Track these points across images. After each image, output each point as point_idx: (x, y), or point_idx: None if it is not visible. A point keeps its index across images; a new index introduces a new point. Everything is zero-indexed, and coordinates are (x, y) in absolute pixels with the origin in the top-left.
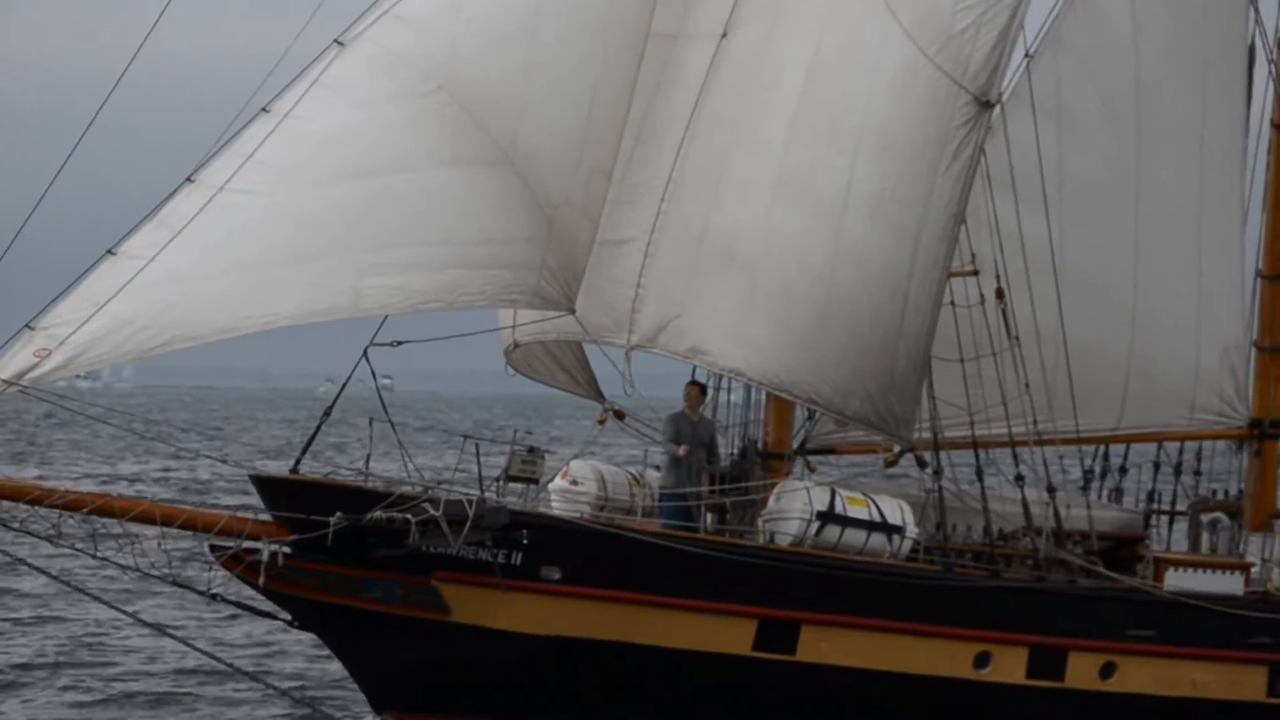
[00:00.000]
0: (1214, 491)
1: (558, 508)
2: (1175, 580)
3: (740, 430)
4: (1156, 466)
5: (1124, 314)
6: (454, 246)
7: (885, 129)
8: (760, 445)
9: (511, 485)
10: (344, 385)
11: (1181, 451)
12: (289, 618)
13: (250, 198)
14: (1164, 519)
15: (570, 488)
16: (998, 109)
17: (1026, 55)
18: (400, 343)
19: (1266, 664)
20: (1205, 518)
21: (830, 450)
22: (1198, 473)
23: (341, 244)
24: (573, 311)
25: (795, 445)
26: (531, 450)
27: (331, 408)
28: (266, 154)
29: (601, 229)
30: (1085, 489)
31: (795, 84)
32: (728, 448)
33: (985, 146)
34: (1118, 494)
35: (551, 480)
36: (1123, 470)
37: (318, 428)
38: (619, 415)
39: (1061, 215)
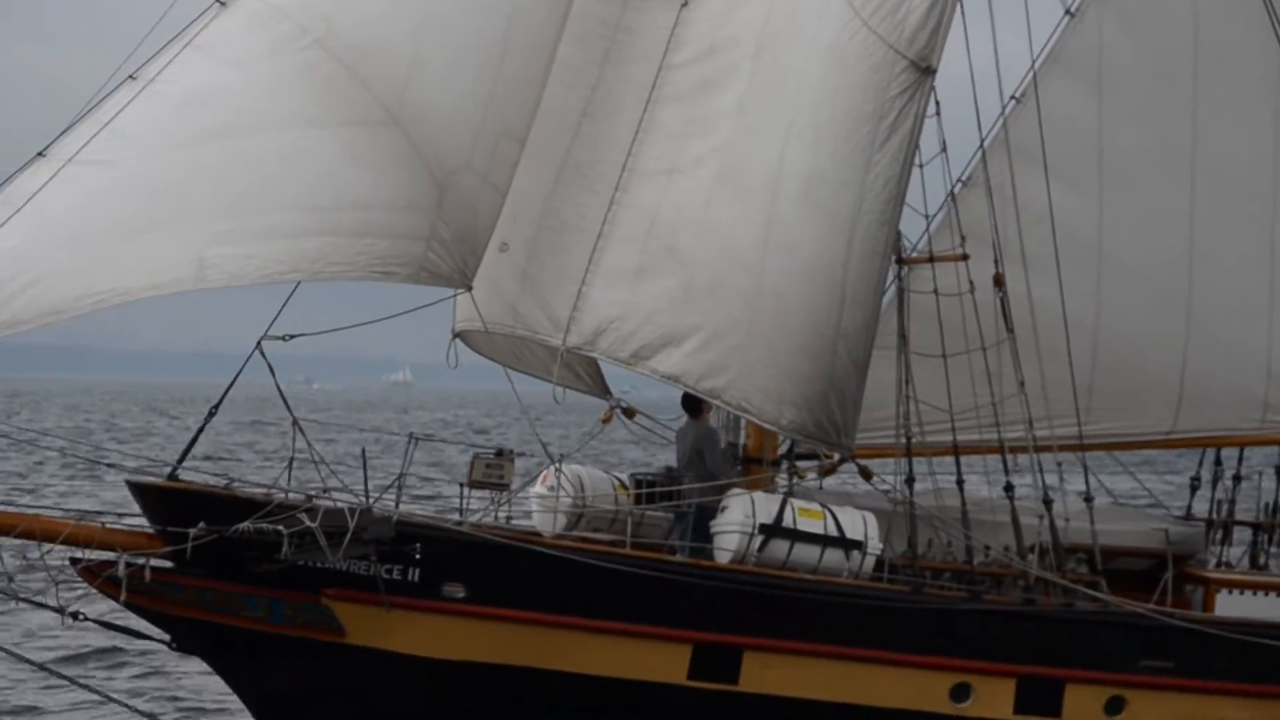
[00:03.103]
0: None
1: (536, 517)
2: (1228, 605)
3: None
4: (1279, 472)
5: (1175, 303)
6: (319, 212)
7: (818, 103)
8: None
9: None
10: (234, 380)
11: None
12: (167, 638)
13: (98, 167)
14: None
15: (546, 495)
16: (1032, 74)
17: (1068, 13)
18: (291, 336)
19: None
20: None
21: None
22: None
23: (189, 211)
24: (468, 289)
25: (783, 450)
26: (499, 453)
27: (218, 406)
28: (123, 121)
29: (542, 212)
30: (1190, 500)
31: (745, 58)
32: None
33: (1013, 117)
34: (1230, 506)
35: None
36: (1236, 479)
37: (200, 428)
38: (628, 413)
39: (1100, 192)
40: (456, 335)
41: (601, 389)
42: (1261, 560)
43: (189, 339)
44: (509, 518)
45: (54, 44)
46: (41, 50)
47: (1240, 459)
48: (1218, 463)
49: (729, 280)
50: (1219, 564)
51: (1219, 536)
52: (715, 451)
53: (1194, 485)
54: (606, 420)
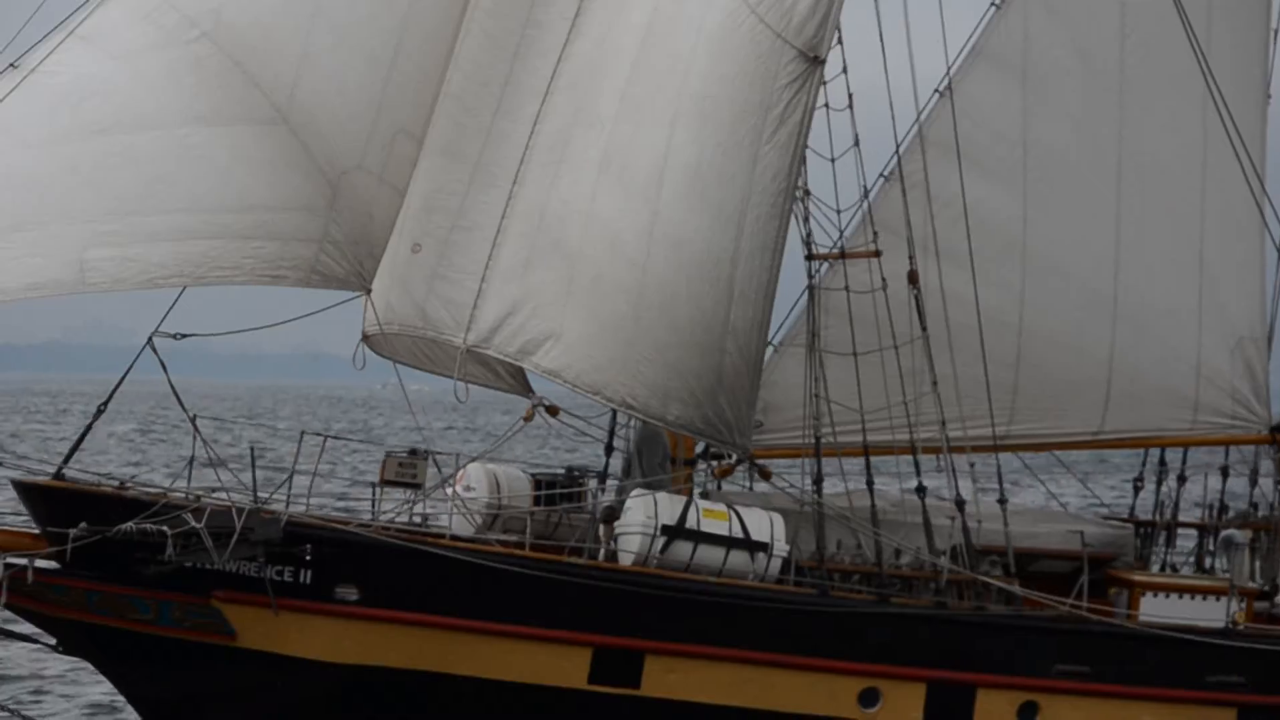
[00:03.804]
0: (1255, 506)
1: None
2: (1154, 608)
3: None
4: (1225, 473)
5: (1102, 302)
6: (206, 214)
7: (703, 93)
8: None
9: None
10: (123, 377)
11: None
12: (53, 641)
13: None
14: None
15: (462, 494)
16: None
17: (993, 5)
18: (184, 335)
19: (1235, 705)
20: (1223, 535)
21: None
22: (1255, 482)
23: (69, 210)
24: (367, 291)
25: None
26: (412, 452)
27: (106, 404)
28: (2, 113)
29: (456, 212)
30: (1134, 501)
31: (632, 47)
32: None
33: (936, 110)
34: (1175, 508)
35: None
36: (1181, 479)
37: (88, 426)
38: (551, 411)
39: (1025, 188)
40: (366, 338)
41: (523, 387)
42: (1207, 563)
43: (292, 339)
44: (425, 518)
45: None
46: None
47: (1184, 460)
48: (1162, 464)
49: (613, 274)
50: (1164, 566)
51: (1163, 538)
52: (655, 453)
53: (1136, 486)
54: (528, 419)
